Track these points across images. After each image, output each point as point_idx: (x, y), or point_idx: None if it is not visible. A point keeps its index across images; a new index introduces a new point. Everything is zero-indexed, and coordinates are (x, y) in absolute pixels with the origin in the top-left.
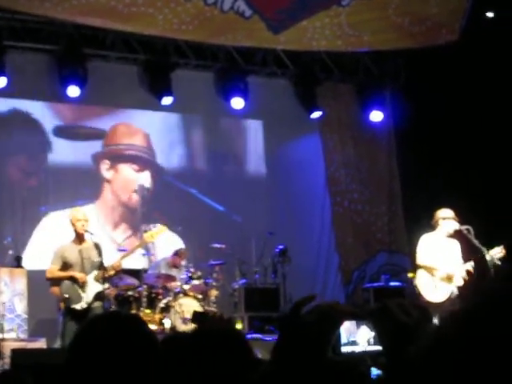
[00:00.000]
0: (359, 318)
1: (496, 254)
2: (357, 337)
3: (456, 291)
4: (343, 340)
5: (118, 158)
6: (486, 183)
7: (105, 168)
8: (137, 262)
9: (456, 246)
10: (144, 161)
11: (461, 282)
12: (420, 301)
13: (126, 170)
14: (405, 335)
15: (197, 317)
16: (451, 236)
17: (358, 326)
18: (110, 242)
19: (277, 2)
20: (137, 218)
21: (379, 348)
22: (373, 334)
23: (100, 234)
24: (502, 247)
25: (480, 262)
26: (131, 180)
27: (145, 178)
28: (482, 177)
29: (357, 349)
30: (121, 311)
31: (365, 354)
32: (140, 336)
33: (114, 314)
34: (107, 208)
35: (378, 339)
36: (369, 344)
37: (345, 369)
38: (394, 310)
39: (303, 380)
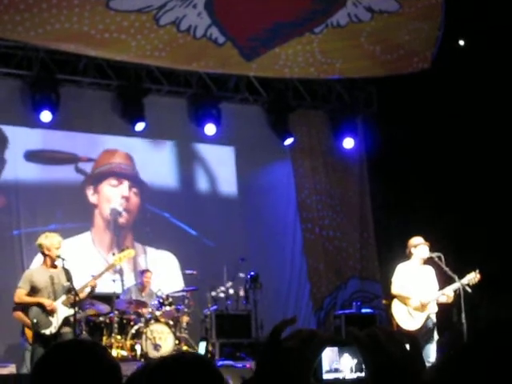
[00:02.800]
0: (341, 344)
1: (471, 279)
2: (340, 364)
3: (433, 318)
4: (325, 367)
5: (98, 179)
6: (457, 210)
7: (90, 194)
8: (107, 287)
9: (431, 272)
10: (121, 175)
11: (435, 310)
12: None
13: (106, 189)
14: (391, 364)
15: None
16: (425, 263)
17: (341, 353)
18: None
19: (250, 30)
20: (126, 236)
21: (362, 375)
22: (355, 361)
23: (98, 259)
24: (476, 272)
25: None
26: (111, 197)
27: (123, 192)
28: (453, 203)
29: (340, 376)
30: (82, 339)
31: (348, 381)
32: (102, 364)
33: (75, 342)
34: (100, 232)
35: (364, 366)
36: (351, 371)
37: None
38: (383, 339)
39: None
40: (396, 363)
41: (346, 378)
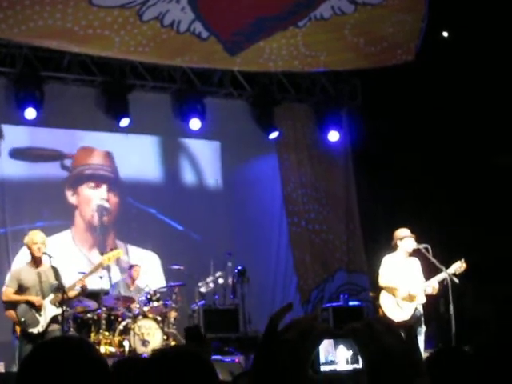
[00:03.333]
0: (339, 336)
1: (457, 268)
2: (335, 356)
3: (420, 309)
4: (322, 359)
5: (78, 181)
6: (443, 200)
7: (70, 194)
8: (94, 283)
9: (416, 264)
10: (100, 177)
11: (423, 300)
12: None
13: (85, 191)
14: (388, 355)
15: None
16: (411, 254)
17: (336, 345)
18: (89, 263)
19: (233, 24)
20: (108, 235)
21: (358, 367)
22: (351, 352)
23: (79, 257)
24: (462, 261)
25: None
26: (91, 199)
27: (102, 195)
28: (438, 194)
29: (336, 368)
30: (69, 336)
31: (344, 372)
32: (89, 360)
33: (62, 339)
34: (80, 231)
35: (361, 358)
36: (347, 363)
37: None
38: (379, 330)
39: None
40: (393, 354)
41: (342, 369)
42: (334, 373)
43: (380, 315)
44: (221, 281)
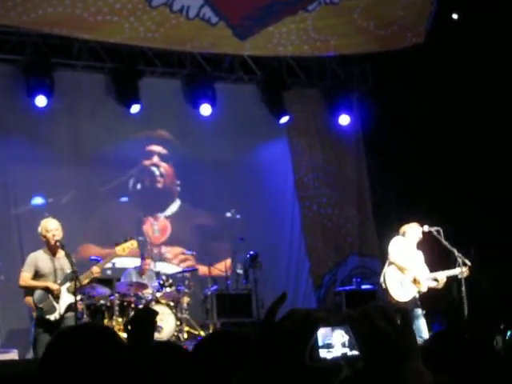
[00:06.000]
0: (335, 323)
1: (461, 272)
2: (332, 339)
3: (417, 295)
4: (319, 343)
5: None
6: (454, 184)
7: None
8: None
9: (421, 256)
10: None
11: (425, 289)
12: (387, 297)
13: None
14: (384, 341)
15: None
16: (420, 242)
17: (333, 329)
18: None
19: (242, 9)
20: None
21: (355, 352)
22: (347, 337)
23: None
24: (467, 268)
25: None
26: None
27: None
28: (450, 178)
29: (332, 352)
30: (92, 322)
31: (341, 359)
32: (112, 347)
33: (86, 326)
34: None
35: (357, 344)
36: (343, 346)
37: (322, 375)
38: (374, 316)
39: None
40: (387, 339)
41: (338, 354)
42: (332, 359)
43: (374, 302)
44: (240, 271)
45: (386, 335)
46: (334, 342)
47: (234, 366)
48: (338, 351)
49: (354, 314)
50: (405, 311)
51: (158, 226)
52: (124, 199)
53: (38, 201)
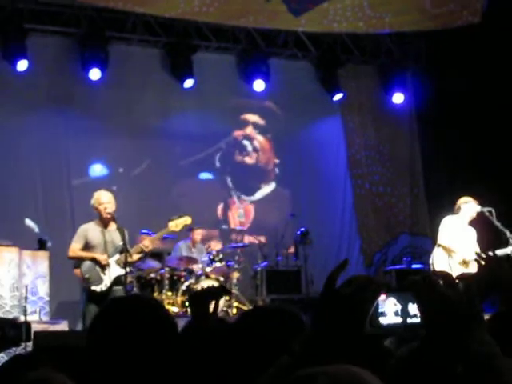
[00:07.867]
0: (396, 290)
1: None
2: (384, 308)
3: None
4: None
5: None
6: (509, 164)
7: None
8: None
9: (473, 234)
10: None
11: (475, 269)
12: None
13: None
14: (448, 308)
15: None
16: (472, 221)
17: (387, 297)
18: None
19: None
20: None
21: (409, 321)
22: (400, 306)
23: None
24: None
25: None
26: None
27: None
28: (505, 158)
29: (385, 319)
30: (139, 294)
31: (402, 326)
32: (159, 319)
33: (133, 297)
34: None
35: (419, 311)
36: (396, 315)
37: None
38: (438, 282)
39: (341, 353)
40: (451, 306)
41: (391, 323)
42: (390, 326)
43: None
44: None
45: (449, 301)
46: (387, 311)
47: (272, 347)
48: (390, 320)
49: (417, 281)
50: (468, 280)
51: (243, 210)
52: (207, 175)
53: (96, 172)
